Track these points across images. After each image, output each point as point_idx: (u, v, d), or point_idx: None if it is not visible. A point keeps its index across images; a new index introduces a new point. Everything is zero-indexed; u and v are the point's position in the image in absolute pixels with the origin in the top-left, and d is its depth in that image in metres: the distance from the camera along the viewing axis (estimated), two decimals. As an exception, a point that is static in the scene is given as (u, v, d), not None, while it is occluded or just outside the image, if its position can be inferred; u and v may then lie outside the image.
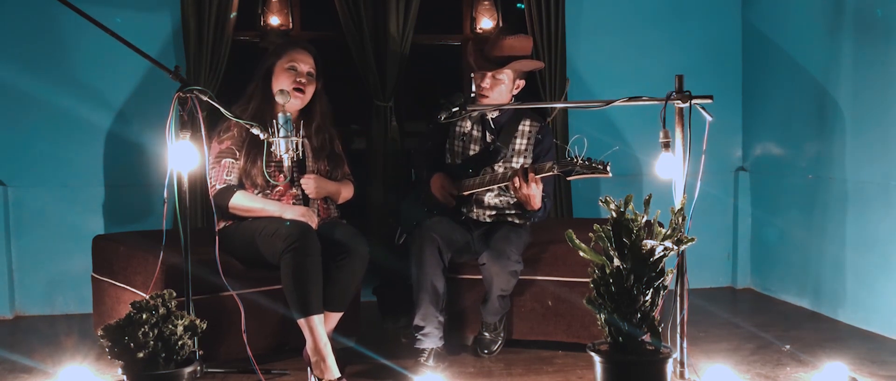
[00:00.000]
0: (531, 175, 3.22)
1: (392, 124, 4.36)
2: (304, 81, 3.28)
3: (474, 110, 3.38)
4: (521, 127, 3.56)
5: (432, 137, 3.68)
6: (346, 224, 3.30)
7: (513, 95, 3.53)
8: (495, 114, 3.56)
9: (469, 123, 3.59)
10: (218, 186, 3.19)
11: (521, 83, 3.54)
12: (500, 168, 3.49)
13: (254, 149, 3.22)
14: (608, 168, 3.11)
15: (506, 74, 3.44)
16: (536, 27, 4.40)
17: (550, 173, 3.22)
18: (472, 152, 3.57)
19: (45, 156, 4.25)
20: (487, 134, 3.57)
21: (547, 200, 3.43)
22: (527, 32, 4.40)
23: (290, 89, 3.22)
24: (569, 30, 4.49)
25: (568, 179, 3.21)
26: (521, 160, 3.52)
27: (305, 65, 3.31)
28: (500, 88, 3.46)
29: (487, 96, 3.45)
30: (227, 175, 3.21)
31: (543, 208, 3.42)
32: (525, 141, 3.54)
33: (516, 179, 3.25)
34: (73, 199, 4.28)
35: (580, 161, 3.13)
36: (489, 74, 3.43)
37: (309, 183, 3.28)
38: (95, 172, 4.29)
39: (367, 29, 4.27)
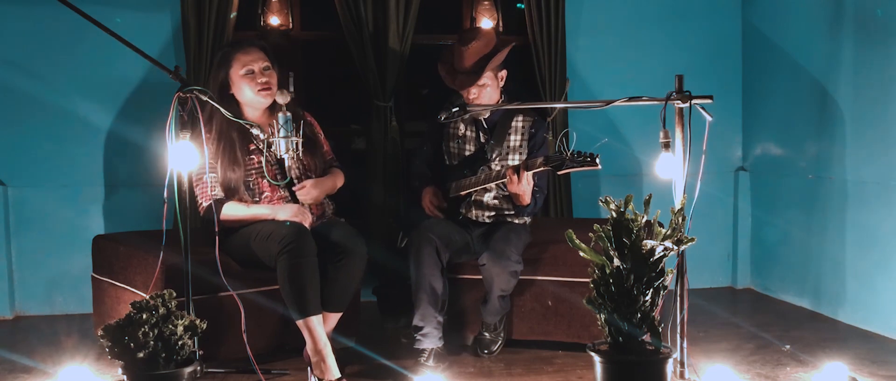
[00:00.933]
0: (522, 172, 3.22)
1: (392, 124, 4.36)
2: (265, 79, 3.21)
3: (470, 112, 3.38)
4: (514, 123, 3.55)
5: (430, 138, 3.68)
6: (345, 224, 3.29)
7: (501, 88, 3.52)
8: (487, 113, 3.55)
9: (462, 125, 3.58)
10: (205, 204, 3.17)
11: (504, 73, 3.53)
12: (496, 167, 3.49)
13: (227, 161, 3.17)
14: (597, 160, 3.08)
15: (486, 78, 3.42)
16: (536, 27, 4.40)
17: (541, 169, 3.22)
18: (467, 153, 3.57)
19: (45, 156, 4.25)
20: (481, 134, 3.57)
21: (539, 194, 3.43)
22: (526, 32, 4.41)
23: (256, 92, 3.18)
24: (569, 30, 4.48)
25: (559, 173, 3.19)
26: (517, 156, 3.52)
27: (259, 62, 3.21)
28: (487, 92, 3.44)
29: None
30: (211, 191, 3.17)
31: (534, 203, 3.42)
32: (519, 137, 3.54)
33: (509, 176, 3.25)
34: (73, 199, 4.28)
35: (569, 155, 3.12)
36: (471, 87, 3.42)
37: (308, 193, 3.23)
38: (95, 172, 4.29)
39: (367, 29, 4.26)
